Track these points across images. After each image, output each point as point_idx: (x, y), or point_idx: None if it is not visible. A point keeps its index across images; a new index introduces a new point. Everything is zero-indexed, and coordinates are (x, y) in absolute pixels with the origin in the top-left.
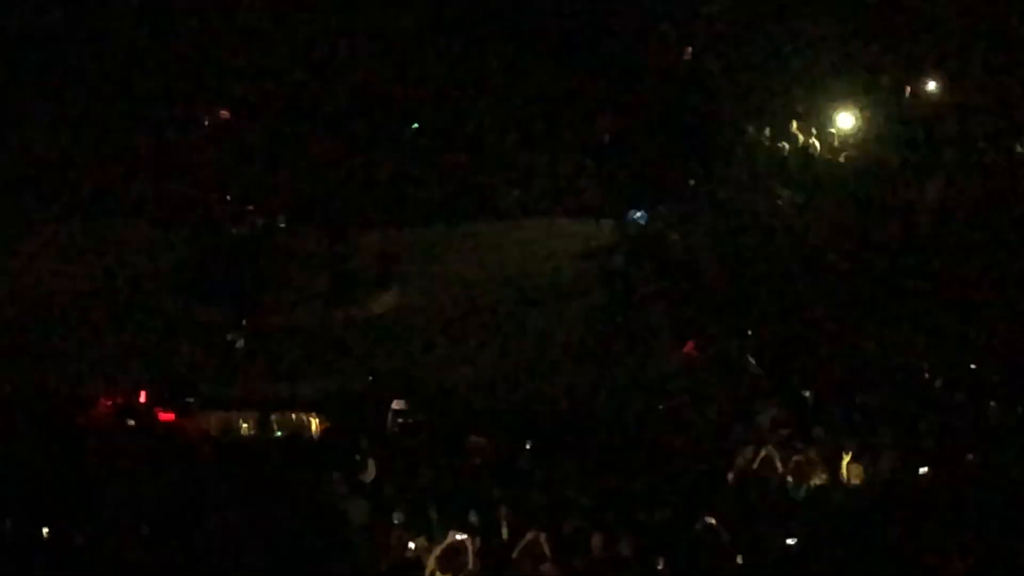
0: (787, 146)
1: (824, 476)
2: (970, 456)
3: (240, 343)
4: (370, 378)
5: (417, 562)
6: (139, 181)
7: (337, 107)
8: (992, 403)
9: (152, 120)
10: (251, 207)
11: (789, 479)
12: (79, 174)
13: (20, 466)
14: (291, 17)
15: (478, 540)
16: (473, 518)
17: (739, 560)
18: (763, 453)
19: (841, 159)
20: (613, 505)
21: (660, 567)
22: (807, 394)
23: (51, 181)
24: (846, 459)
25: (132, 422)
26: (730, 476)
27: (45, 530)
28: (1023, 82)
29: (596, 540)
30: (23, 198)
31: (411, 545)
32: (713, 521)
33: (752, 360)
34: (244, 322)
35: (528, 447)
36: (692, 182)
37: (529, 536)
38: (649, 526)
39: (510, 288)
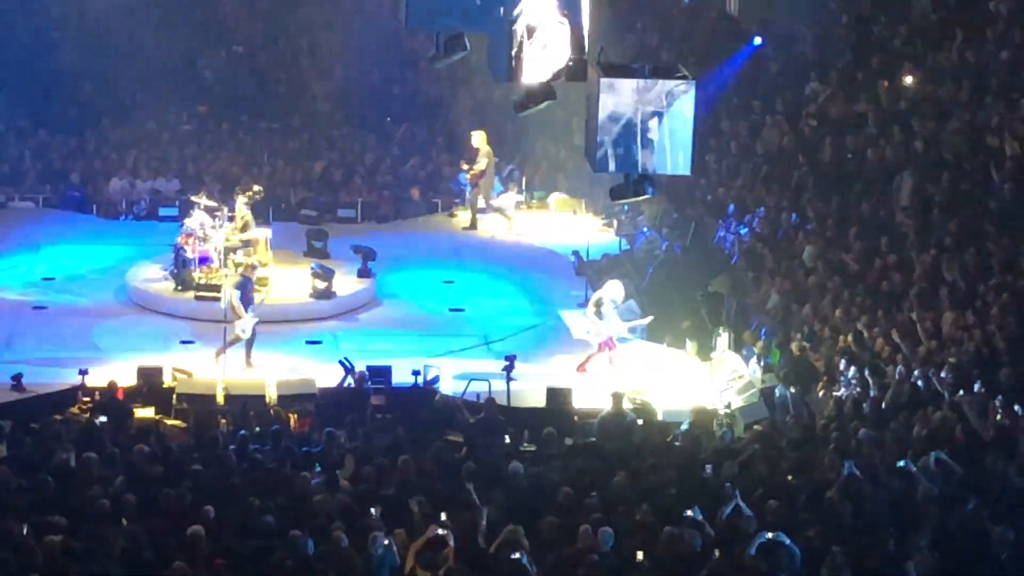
0: None
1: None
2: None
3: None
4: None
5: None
6: None
7: None
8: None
9: None
10: None
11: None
12: None
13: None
14: None
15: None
16: (452, 513)
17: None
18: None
19: None
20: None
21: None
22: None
23: None
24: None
25: (104, 418)
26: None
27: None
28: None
29: (580, 534)
30: None
31: (385, 542)
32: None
33: None
34: None
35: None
36: None
37: (507, 530)
38: (630, 520)
39: None
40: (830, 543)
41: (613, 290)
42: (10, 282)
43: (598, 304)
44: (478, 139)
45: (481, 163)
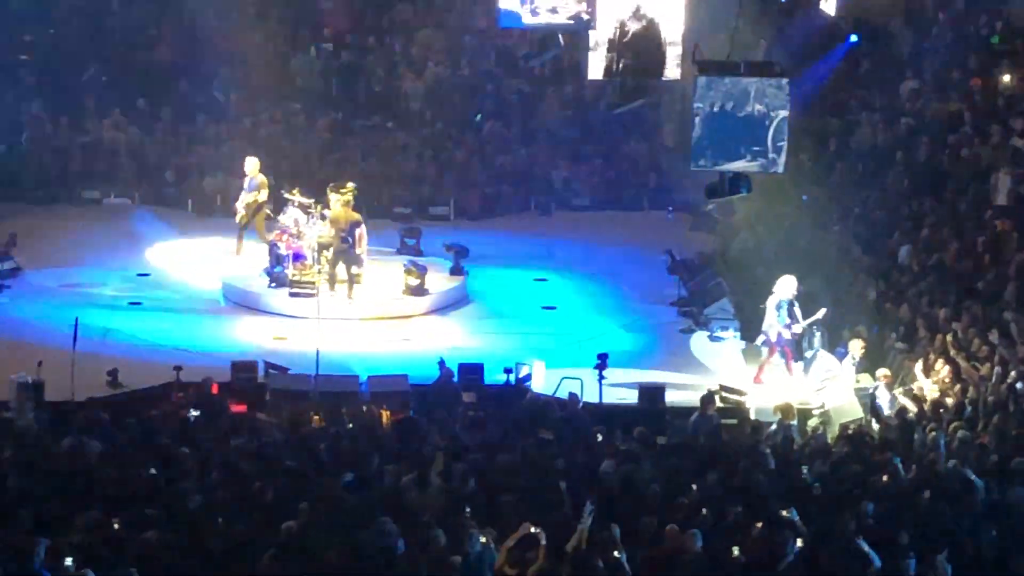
0: None
1: None
2: None
3: None
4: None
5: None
6: None
7: None
8: None
9: None
10: None
11: None
12: None
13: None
14: None
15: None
16: (544, 511)
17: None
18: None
19: None
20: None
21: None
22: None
23: None
24: None
25: (197, 413)
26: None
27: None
28: None
29: (668, 533)
30: None
31: (482, 539)
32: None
33: None
34: None
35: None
36: None
37: (599, 529)
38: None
39: None
40: (926, 545)
41: (785, 288)
42: (106, 278)
43: (778, 307)
44: (252, 166)
45: (263, 194)
